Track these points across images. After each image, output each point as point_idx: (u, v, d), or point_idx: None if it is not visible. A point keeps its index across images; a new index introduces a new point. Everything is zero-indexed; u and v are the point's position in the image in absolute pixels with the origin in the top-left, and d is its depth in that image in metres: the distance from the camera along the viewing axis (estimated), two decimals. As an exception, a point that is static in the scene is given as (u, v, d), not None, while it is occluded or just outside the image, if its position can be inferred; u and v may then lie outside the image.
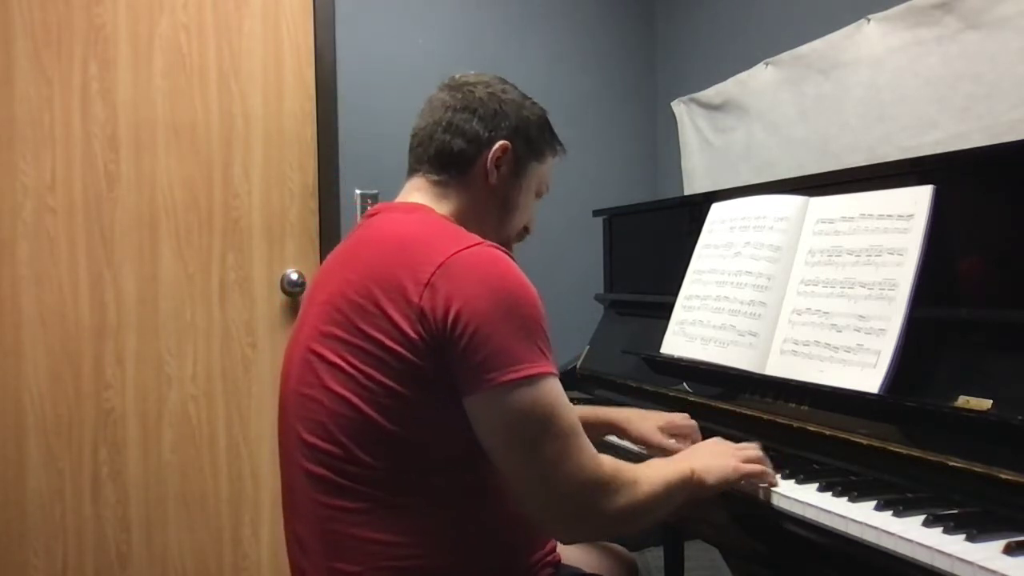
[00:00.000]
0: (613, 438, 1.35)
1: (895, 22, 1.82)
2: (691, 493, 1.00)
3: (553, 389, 0.90)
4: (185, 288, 2.14)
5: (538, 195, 1.17)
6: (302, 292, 2.24)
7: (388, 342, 0.89)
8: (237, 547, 2.20)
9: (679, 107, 2.65)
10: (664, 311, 1.58)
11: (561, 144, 1.18)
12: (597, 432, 1.30)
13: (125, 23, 2.08)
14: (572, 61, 2.69)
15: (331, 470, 0.93)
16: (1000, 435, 0.92)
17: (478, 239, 0.95)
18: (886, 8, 1.84)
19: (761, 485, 1.05)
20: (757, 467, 1.05)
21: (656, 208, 2.05)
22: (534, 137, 1.12)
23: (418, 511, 0.92)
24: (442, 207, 1.07)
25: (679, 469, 1.00)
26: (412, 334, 0.88)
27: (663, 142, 2.79)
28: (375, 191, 2.35)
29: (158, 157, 2.11)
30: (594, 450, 0.92)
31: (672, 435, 1.24)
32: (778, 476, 1.06)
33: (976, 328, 1.06)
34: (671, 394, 1.49)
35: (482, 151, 1.07)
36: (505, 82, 1.14)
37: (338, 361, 0.93)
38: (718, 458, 1.05)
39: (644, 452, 1.27)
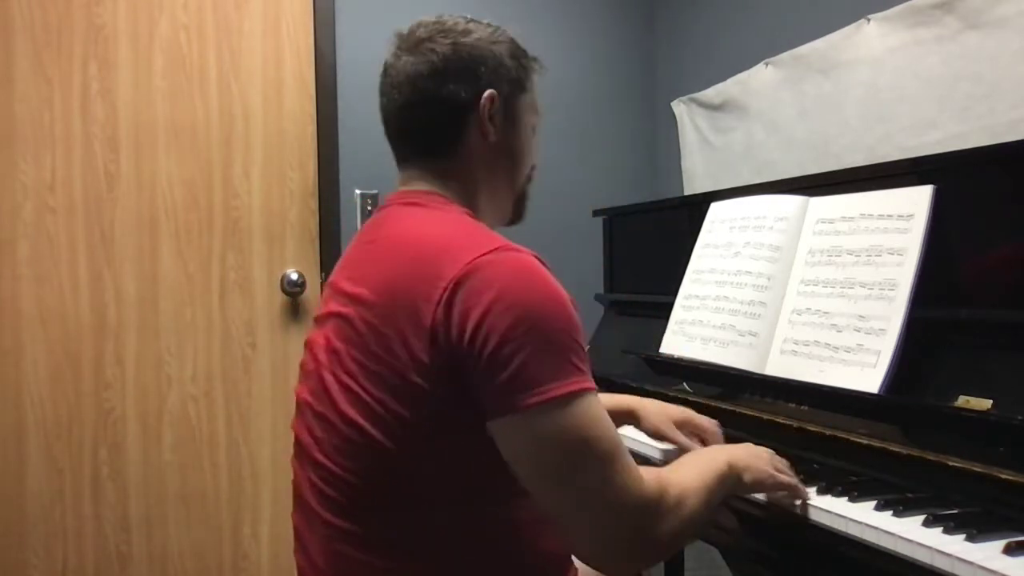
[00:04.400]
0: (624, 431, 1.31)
1: (895, 22, 1.82)
2: (728, 491, 0.94)
3: (588, 408, 0.80)
4: (185, 288, 2.14)
5: (534, 129, 1.06)
6: (302, 292, 2.24)
7: (400, 366, 0.82)
8: (237, 547, 2.20)
9: (679, 107, 2.65)
10: (664, 311, 1.58)
11: (536, 59, 1.06)
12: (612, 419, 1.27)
13: (125, 23, 2.08)
14: (572, 61, 2.68)
15: (339, 492, 0.89)
16: (1000, 435, 0.92)
17: (498, 242, 0.85)
18: (886, 8, 1.84)
19: (795, 501, 0.98)
20: (792, 480, 0.99)
21: (656, 208, 2.05)
22: (512, 69, 1.01)
23: (422, 547, 0.87)
24: (449, 189, 0.98)
25: (716, 467, 0.92)
26: (425, 358, 0.81)
27: (663, 142, 2.78)
28: (375, 191, 2.34)
29: (158, 157, 2.11)
30: (638, 471, 0.82)
31: (691, 434, 1.20)
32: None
33: (976, 328, 1.06)
34: (671, 394, 1.48)
35: (470, 113, 0.97)
36: (460, 19, 1.01)
37: (349, 383, 0.87)
38: (753, 459, 0.98)
39: (655, 444, 1.27)
